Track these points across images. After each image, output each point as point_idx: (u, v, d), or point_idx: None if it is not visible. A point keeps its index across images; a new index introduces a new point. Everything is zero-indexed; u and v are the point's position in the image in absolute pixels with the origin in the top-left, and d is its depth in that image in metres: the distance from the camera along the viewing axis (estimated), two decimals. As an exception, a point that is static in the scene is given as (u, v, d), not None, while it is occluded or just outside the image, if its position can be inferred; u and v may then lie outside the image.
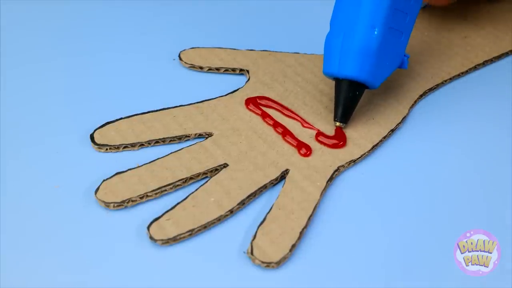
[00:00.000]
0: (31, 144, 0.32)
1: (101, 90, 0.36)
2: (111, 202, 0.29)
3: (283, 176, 0.31)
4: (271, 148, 0.32)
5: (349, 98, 0.32)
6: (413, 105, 0.35)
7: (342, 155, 0.32)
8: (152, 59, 0.38)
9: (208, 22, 0.42)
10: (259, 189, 0.30)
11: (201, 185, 0.30)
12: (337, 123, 0.33)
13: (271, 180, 0.30)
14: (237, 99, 0.35)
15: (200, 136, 0.33)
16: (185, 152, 0.32)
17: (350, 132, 0.33)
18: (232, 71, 0.37)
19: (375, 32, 0.31)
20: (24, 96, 0.35)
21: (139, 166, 0.31)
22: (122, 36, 0.40)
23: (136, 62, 0.38)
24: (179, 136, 0.33)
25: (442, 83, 0.37)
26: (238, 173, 0.30)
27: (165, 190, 0.30)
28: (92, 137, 0.32)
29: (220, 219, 0.29)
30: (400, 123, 0.34)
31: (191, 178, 0.30)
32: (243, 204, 0.29)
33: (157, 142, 0.32)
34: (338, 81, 0.33)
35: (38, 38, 0.40)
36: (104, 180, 0.30)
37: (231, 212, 0.29)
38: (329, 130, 0.33)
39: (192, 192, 0.30)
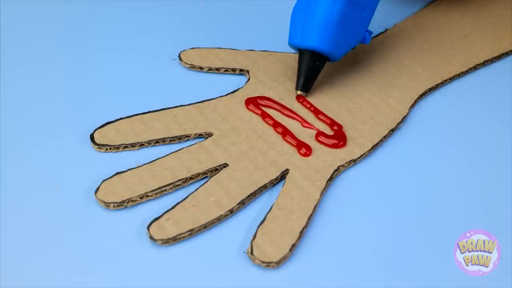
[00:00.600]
0: (31, 144, 0.32)
1: (101, 90, 0.36)
2: (111, 202, 0.29)
3: (283, 176, 0.31)
4: (271, 148, 0.32)
5: (310, 68, 0.34)
6: (413, 105, 0.35)
7: (342, 155, 0.32)
8: (152, 59, 0.38)
9: (208, 22, 0.42)
10: (259, 189, 0.30)
11: (201, 185, 0.30)
12: (298, 92, 0.35)
13: (271, 180, 0.30)
14: (237, 99, 0.35)
15: (200, 136, 0.33)
16: (185, 152, 0.32)
17: (350, 132, 0.33)
18: (232, 71, 0.37)
19: (336, 5, 0.33)
20: (24, 96, 0.35)
21: (139, 166, 0.31)
22: (122, 36, 0.40)
23: (136, 62, 0.38)
24: (179, 136, 0.33)
25: (442, 83, 0.37)
26: (238, 173, 0.30)
27: (165, 190, 0.30)
28: (92, 137, 0.32)
29: (220, 219, 0.29)
30: (400, 123, 0.34)
31: (191, 178, 0.30)
32: (243, 204, 0.29)
33: (157, 142, 0.32)
34: (301, 52, 0.34)
35: (38, 38, 0.40)
36: (104, 180, 0.30)
37: (231, 212, 0.29)
38: (329, 130, 0.33)
39: (192, 192, 0.30)
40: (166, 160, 0.31)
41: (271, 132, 0.33)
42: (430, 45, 0.39)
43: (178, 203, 0.29)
